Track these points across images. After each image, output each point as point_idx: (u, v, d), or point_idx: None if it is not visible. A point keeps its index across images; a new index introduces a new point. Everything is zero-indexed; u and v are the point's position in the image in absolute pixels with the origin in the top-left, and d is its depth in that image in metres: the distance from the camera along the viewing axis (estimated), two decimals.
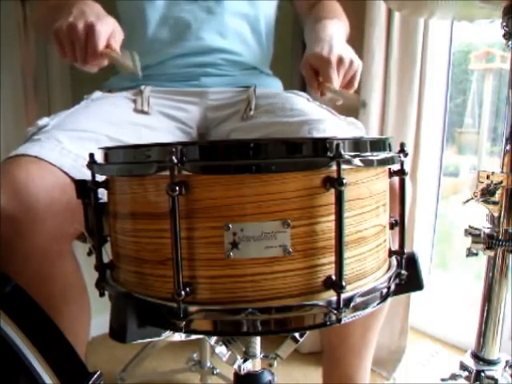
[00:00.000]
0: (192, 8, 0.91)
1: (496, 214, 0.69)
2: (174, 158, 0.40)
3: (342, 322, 0.43)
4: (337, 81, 0.76)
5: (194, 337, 0.92)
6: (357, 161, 0.42)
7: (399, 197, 0.51)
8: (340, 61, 0.76)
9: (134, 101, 0.88)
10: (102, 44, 0.67)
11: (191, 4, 0.91)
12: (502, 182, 0.67)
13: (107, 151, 0.48)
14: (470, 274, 1.55)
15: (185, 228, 0.41)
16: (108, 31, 0.68)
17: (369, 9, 1.13)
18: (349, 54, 0.78)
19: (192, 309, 0.42)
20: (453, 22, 1.23)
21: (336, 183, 0.40)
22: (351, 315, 0.44)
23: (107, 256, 0.52)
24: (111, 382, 1.11)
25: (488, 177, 0.69)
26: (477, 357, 0.75)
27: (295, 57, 1.33)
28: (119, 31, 0.71)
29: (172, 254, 0.41)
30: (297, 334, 0.61)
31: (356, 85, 0.80)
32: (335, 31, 0.85)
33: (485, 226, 0.71)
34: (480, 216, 0.73)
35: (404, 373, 1.22)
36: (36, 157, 0.66)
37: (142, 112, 0.87)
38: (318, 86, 0.78)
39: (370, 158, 0.45)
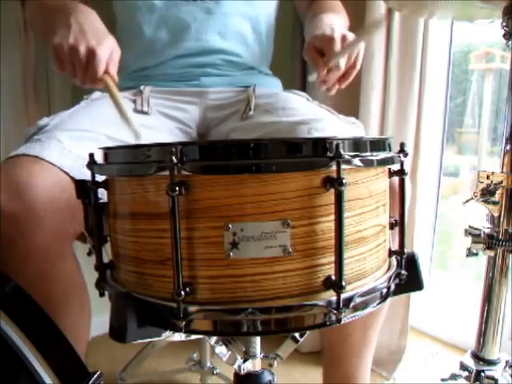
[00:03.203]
0: (191, 9, 0.90)
1: (496, 214, 0.69)
2: (173, 158, 0.40)
3: (342, 322, 0.43)
4: (342, 58, 0.75)
5: (194, 337, 0.92)
6: (357, 161, 0.42)
7: (399, 197, 0.51)
8: (343, 38, 0.75)
9: (134, 101, 0.88)
10: (101, 70, 0.67)
11: (190, 5, 0.91)
12: (501, 181, 0.67)
13: (107, 151, 0.48)
14: (470, 274, 1.55)
15: (185, 228, 0.41)
16: (107, 55, 0.68)
17: (369, 9, 1.13)
18: (351, 34, 0.77)
19: (192, 309, 0.42)
20: (453, 22, 1.23)
21: (336, 183, 0.40)
22: (351, 315, 0.44)
23: (107, 256, 0.52)
24: (111, 382, 1.11)
25: (488, 177, 0.69)
26: (477, 357, 0.75)
27: (295, 57, 1.33)
28: (117, 51, 0.71)
29: (172, 254, 0.41)
30: (297, 334, 0.61)
31: (359, 66, 0.79)
32: (335, 20, 0.85)
33: (485, 226, 0.71)
34: (480, 216, 0.73)
35: (404, 373, 1.22)
36: (36, 157, 0.66)
37: (142, 112, 0.87)
38: (324, 64, 0.77)
39: (370, 158, 0.45)
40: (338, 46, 0.74)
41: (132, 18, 0.92)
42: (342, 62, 0.75)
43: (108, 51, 0.68)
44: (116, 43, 0.71)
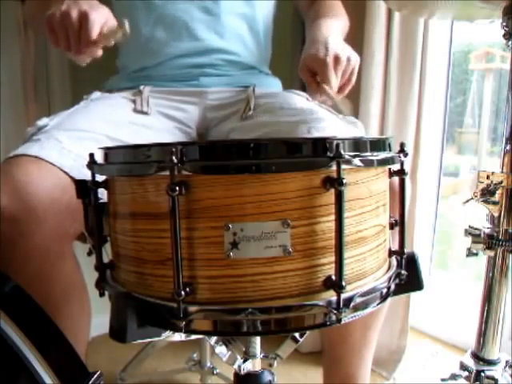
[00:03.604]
0: (189, 8, 0.90)
1: (496, 214, 0.69)
2: (173, 158, 0.40)
3: (342, 322, 0.43)
4: (335, 81, 0.75)
5: (193, 337, 0.92)
6: (357, 161, 0.42)
7: (399, 197, 0.51)
8: (336, 60, 0.75)
9: (134, 101, 0.88)
10: (95, 32, 0.67)
11: (188, 4, 0.90)
12: (502, 181, 0.67)
13: (107, 151, 0.48)
14: (470, 274, 1.55)
15: (185, 228, 0.41)
16: (101, 20, 0.67)
17: (369, 9, 1.13)
18: (345, 51, 0.77)
19: (192, 309, 0.42)
20: (453, 22, 1.24)
21: (336, 183, 0.40)
22: (351, 315, 0.44)
23: (107, 256, 0.52)
24: (111, 382, 1.11)
25: (488, 177, 0.69)
26: (477, 357, 0.75)
27: (295, 57, 1.33)
28: (112, 20, 0.70)
29: (172, 254, 0.41)
30: (297, 334, 0.61)
31: (354, 80, 0.80)
32: (331, 29, 0.85)
33: (485, 226, 0.71)
34: (480, 216, 0.73)
35: (404, 373, 1.22)
36: (36, 157, 0.66)
37: (142, 112, 0.87)
38: (318, 87, 0.78)
39: (370, 158, 0.45)
40: (330, 70, 0.75)
41: (130, 18, 0.92)
42: (335, 83, 0.76)
43: (102, 16, 0.68)
44: (111, 13, 0.71)
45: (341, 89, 0.79)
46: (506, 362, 0.74)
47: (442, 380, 0.77)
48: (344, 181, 0.40)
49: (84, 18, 0.66)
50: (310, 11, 0.98)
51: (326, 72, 0.75)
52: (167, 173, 0.40)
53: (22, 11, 1.09)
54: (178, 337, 0.80)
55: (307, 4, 1.02)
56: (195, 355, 1.16)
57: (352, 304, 0.43)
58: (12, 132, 1.16)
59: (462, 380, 0.75)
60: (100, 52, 0.71)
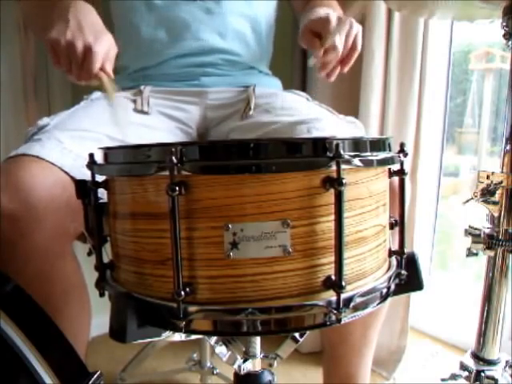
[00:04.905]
0: (191, 8, 0.90)
1: (496, 214, 0.69)
2: (173, 158, 0.40)
3: (342, 322, 0.43)
4: (339, 40, 0.74)
5: (193, 337, 0.92)
6: (356, 161, 0.42)
7: (399, 197, 0.51)
8: (339, 20, 0.75)
9: (134, 101, 0.88)
10: (97, 67, 0.68)
11: (190, 4, 0.90)
12: (501, 181, 0.67)
13: (107, 151, 0.48)
14: (470, 274, 1.55)
15: (185, 228, 0.41)
16: (104, 52, 0.68)
17: (369, 9, 1.13)
18: (347, 18, 0.76)
19: (192, 309, 0.42)
20: (453, 22, 1.24)
21: (336, 183, 0.40)
22: (351, 315, 0.44)
23: (107, 256, 0.52)
24: (111, 382, 1.11)
25: (488, 177, 0.69)
26: (477, 357, 0.75)
27: (295, 57, 1.33)
28: (114, 48, 0.71)
29: (172, 253, 0.41)
30: (297, 334, 0.61)
31: (360, 47, 0.78)
32: (330, 12, 0.85)
33: (485, 226, 0.71)
34: (480, 216, 0.73)
35: (404, 373, 1.22)
36: (37, 156, 0.66)
37: (142, 112, 0.87)
38: (321, 44, 0.76)
39: (370, 158, 0.45)
40: (333, 26, 0.74)
41: (131, 18, 0.92)
42: (339, 43, 0.75)
43: (105, 48, 0.68)
44: (113, 41, 0.71)
45: (347, 56, 0.78)
46: (506, 362, 0.74)
47: (442, 380, 0.77)
48: (344, 181, 0.40)
49: (88, 51, 0.67)
50: (305, 10, 0.98)
51: (329, 28, 0.74)
52: (167, 173, 0.40)
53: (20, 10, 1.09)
54: (178, 337, 0.80)
55: (302, 4, 1.02)
56: (195, 355, 1.16)
57: (352, 304, 0.43)
58: (12, 132, 1.16)
59: (462, 380, 0.75)
60: (97, 82, 0.72)
